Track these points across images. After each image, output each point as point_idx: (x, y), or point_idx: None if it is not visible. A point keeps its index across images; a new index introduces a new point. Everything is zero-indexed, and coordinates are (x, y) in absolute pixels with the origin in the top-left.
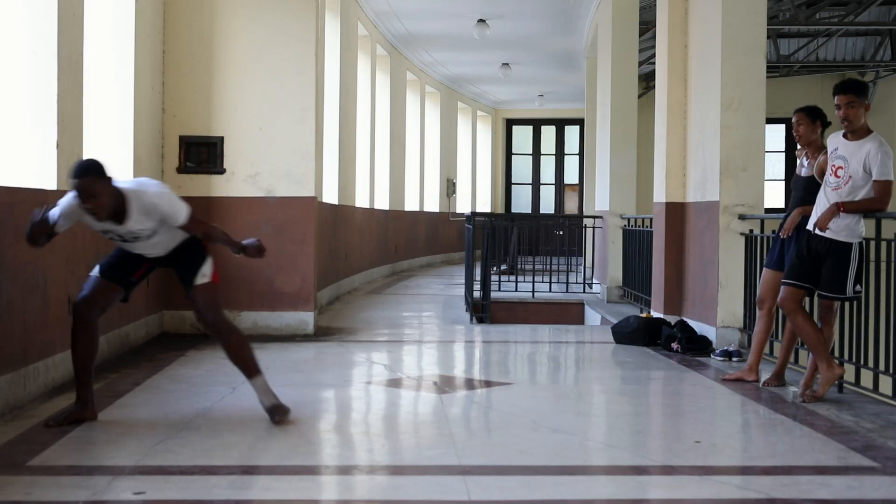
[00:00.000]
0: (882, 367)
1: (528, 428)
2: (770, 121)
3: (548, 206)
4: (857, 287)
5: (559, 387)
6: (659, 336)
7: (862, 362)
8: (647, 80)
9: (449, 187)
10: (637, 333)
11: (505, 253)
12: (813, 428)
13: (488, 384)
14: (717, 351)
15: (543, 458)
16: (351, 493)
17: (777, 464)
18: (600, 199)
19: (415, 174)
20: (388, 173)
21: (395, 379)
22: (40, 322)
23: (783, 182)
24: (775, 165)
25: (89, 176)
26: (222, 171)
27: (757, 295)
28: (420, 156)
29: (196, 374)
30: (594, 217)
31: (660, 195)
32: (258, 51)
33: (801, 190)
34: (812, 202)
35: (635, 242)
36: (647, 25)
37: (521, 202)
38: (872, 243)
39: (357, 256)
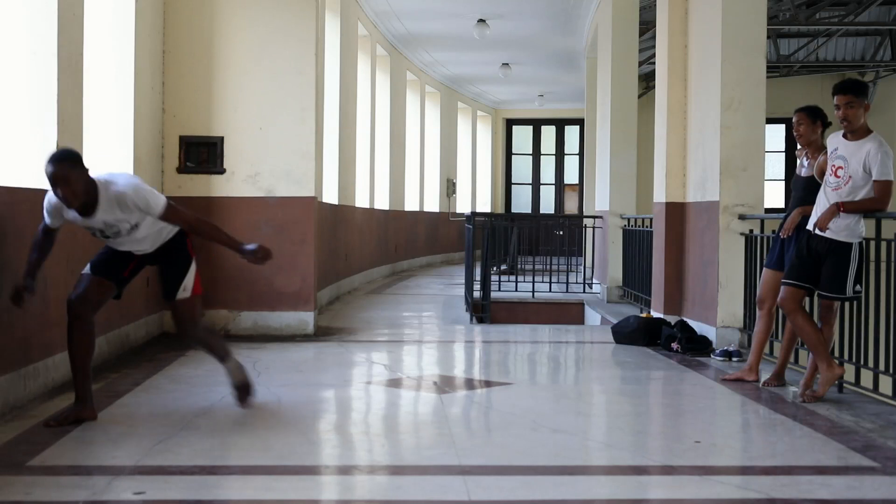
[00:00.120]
0: (882, 367)
1: (528, 428)
2: (770, 121)
3: (548, 206)
4: (857, 287)
5: (559, 387)
6: (659, 336)
7: (862, 362)
8: (647, 80)
9: (449, 187)
10: (637, 333)
11: (505, 253)
12: (813, 428)
13: (488, 384)
14: (717, 351)
15: (543, 458)
16: (351, 493)
17: (777, 464)
18: (600, 199)
19: (415, 174)
20: (388, 173)
21: (395, 379)
22: (40, 322)
23: (783, 182)
24: (775, 165)
25: (64, 163)
26: (222, 171)
27: (757, 295)
28: (420, 156)
29: (196, 374)
30: (594, 217)
31: (660, 195)
32: (258, 51)
33: (801, 190)
34: (812, 202)
35: (635, 242)
36: (647, 25)
37: (521, 202)
38: (872, 243)
39: (357, 256)
